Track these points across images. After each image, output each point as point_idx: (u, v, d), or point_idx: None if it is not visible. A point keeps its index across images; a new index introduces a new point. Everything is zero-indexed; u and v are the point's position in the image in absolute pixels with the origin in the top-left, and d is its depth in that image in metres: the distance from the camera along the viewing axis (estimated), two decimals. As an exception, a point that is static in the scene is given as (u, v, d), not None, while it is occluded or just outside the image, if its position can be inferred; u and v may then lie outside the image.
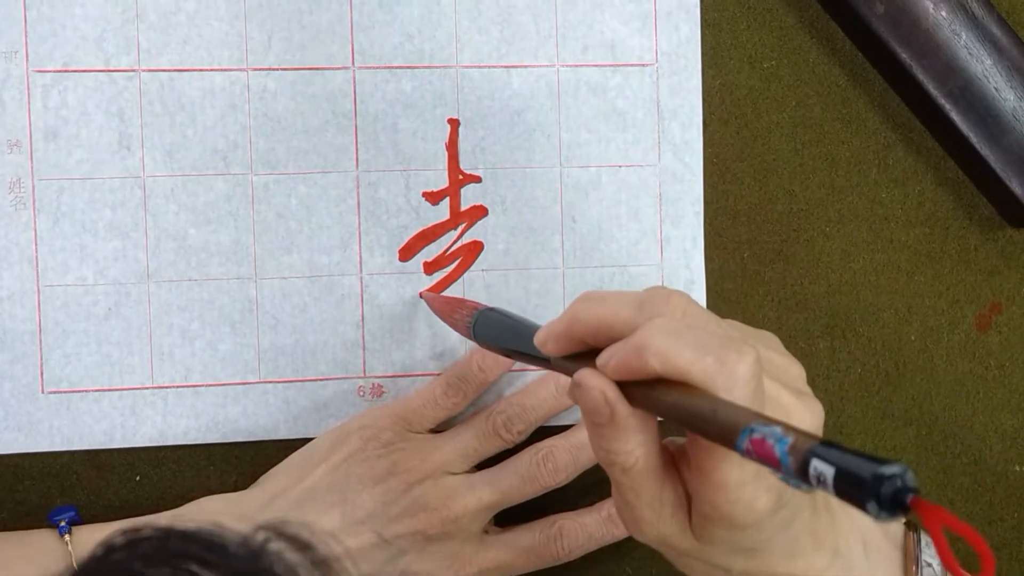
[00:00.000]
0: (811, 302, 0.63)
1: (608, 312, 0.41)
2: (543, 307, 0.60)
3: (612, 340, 0.41)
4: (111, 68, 0.57)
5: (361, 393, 0.59)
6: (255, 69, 0.58)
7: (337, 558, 0.34)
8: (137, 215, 0.57)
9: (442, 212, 0.60)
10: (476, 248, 0.60)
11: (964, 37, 0.60)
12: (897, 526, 0.48)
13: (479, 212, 0.60)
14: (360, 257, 0.59)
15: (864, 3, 0.60)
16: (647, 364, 0.39)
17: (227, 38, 0.58)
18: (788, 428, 0.34)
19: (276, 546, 0.33)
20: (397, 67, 0.59)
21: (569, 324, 0.43)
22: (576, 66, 0.60)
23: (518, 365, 0.59)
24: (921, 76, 0.61)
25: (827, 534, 0.44)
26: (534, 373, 0.59)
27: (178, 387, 0.58)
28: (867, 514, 0.31)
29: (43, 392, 0.57)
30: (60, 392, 0.57)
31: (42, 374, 0.57)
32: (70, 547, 0.54)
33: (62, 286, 0.57)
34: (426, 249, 0.59)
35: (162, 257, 0.57)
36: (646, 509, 0.42)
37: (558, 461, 0.57)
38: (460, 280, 0.60)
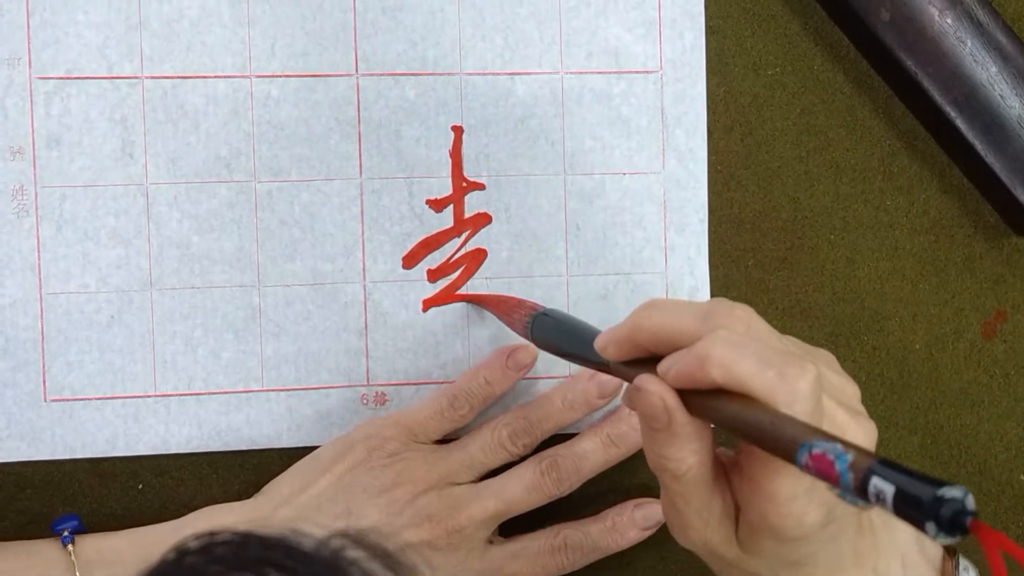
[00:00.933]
0: (816, 310, 0.63)
1: (671, 320, 0.42)
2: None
3: (673, 348, 0.41)
4: (114, 75, 0.57)
5: (364, 401, 0.59)
6: (258, 76, 0.58)
7: (415, 567, 0.33)
8: (140, 222, 0.57)
9: (446, 219, 0.59)
10: (480, 256, 0.60)
11: (969, 44, 0.60)
12: (935, 547, 0.48)
13: (483, 219, 0.60)
14: (363, 265, 0.59)
15: (869, 10, 0.60)
16: (709, 374, 0.39)
17: (230, 45, 0.57)
18: (848, 445, 0.34)
19: (354, 554, 0.32)
20: (401, 74, 0.59)
21: (631, 330, 0.43)
22: (580, 73, 0.60)
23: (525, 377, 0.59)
24: (926, 83, 0.60)
25: (869, 552, 0.45)
26: (542, 385, 0.59)
27: (181, 395, 0.58)
28: (926, 534, 0.31)
29: (45, 400, 0.57)
30: (62, 400, 0.57)
31: (44, 382, 0.57)
32: (73, 557, 0.54)
33: (65, 294, 0.57)
34: (430, 257, 0.59)
35: (165, 265, 0.57)
36: (694, 516, 0.43)
37: (562, 470, 0.57)
38: (464, 288, 0.60)
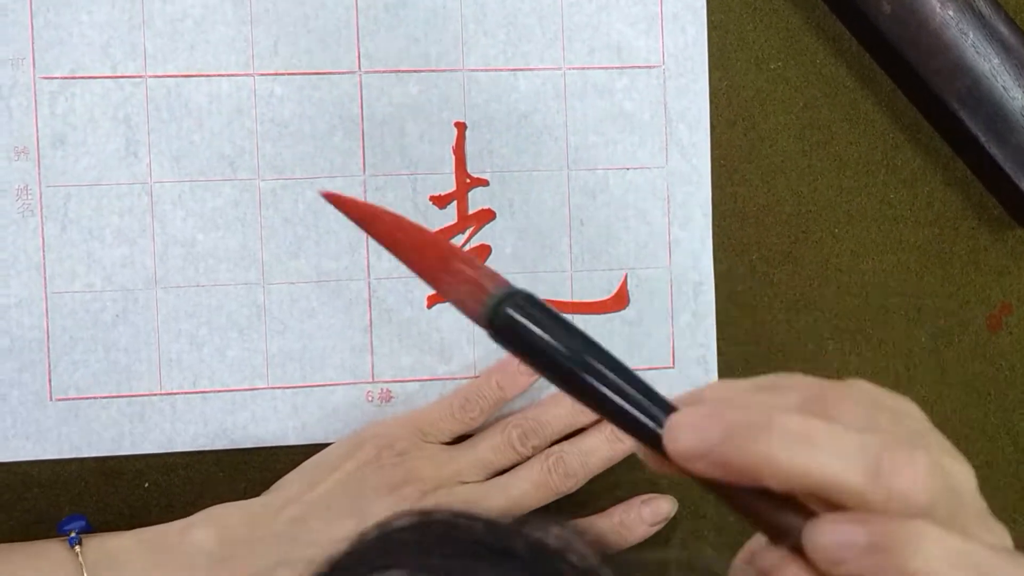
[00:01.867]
0: (820, 304, 0.63)
1: (821, 466, 0.31)
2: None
3: (808, 493, 0.32)
4: (118, 74, 0.57)
5: (370, 398, 0.59)
6: (262, 74, 0.58)
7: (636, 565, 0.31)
8: (144, 221, 0.57)
9: (449, 216, 0.59)
10: (484, 252, 0.60)
11: (971, 36, 0.60)
12: None
13: (487, 216, 0.60)
14: (368, 262, 0.59)
15: (871, 3, 0.60)
16: None
17: (233, 43, 0.57)
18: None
19: (577, 547, 0.30)
20: (403, 71, 0.59)
21: (758, 461, 0.32)
22: (583, 68, 0.60)
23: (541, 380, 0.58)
24: (928, 76, 0.60)
25: None
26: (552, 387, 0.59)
27: (186, 393, 0.57)
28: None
29: (51, 399, 0.57)
30: (68, 399, 0.57)
31: (50, 381, 0.57)
32: (80, 558, 0.54)
33: (70, 293, 0.57)
34: (434, 253, 0.59)
35: (170, 263, 0.57)
36: None
37: (568, 467, 0.57)
38: (468, 284, 0.60)
